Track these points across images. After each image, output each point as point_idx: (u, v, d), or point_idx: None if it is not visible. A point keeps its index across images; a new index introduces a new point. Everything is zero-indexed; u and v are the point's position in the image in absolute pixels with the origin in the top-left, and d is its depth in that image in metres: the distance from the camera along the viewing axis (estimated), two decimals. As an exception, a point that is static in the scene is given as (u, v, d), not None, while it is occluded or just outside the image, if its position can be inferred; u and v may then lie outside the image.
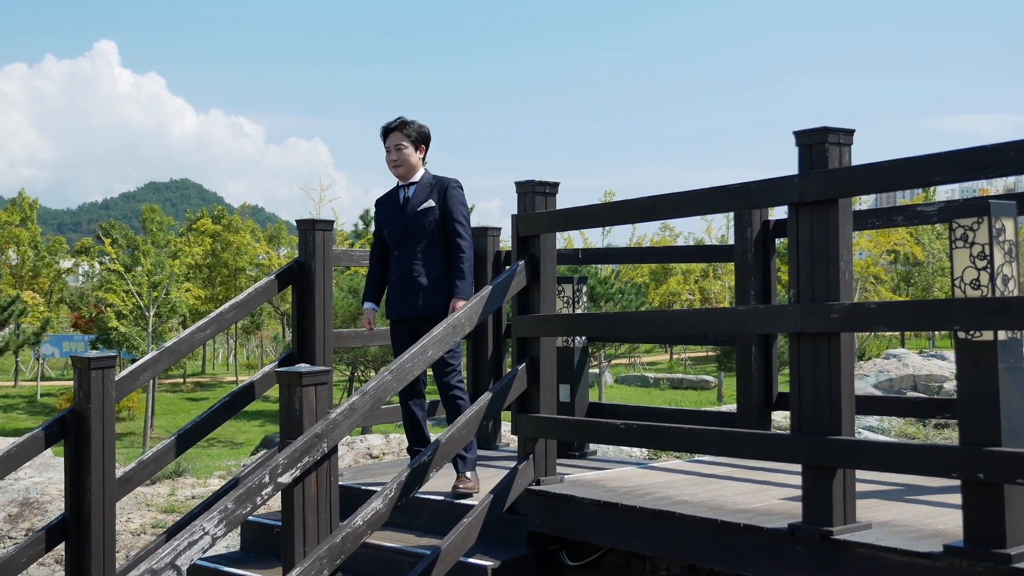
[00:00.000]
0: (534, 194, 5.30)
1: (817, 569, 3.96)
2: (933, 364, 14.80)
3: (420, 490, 5.51)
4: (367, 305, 6.00)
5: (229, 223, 55.22)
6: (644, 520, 4.63)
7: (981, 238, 3.53)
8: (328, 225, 6.29)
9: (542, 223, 5.25)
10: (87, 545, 5.10)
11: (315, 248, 6.21)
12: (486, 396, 5.12)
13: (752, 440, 4.26)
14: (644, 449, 8.27)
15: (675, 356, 68.42)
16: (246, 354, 67.98)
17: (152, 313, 37.09)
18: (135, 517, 8.92)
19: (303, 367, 4.35)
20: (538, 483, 5.20)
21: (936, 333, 50.80)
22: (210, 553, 6.09)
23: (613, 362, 47.80)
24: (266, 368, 6.24)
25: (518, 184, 5.36)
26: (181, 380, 52.19)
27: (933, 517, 4.22)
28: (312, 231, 6.22)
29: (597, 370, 37.92)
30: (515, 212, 5.38)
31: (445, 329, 4.92)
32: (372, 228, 44.26)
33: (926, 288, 48.98)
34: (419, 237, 5.76)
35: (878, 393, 12.87)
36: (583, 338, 6.48)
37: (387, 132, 5.87)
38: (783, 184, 4.12)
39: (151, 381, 35.59)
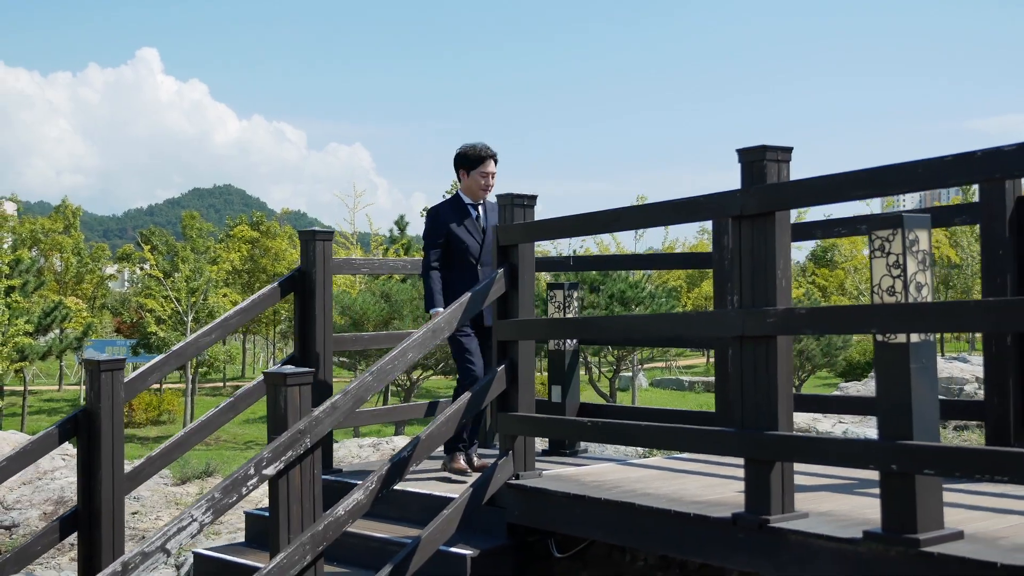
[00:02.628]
0: (513, 206, 5.64)
1: (756, 554, 4.28)
2: (954, 366, 14.91)
3: (416, 487, 5.89)
4: (439, 310, 6.23)
5: (267, 229, 56.00)
6: (607, 511, 4.96)
7: (896, 248, 3.83)
8: (328, 235, 6.67)
9: (520, 233, 5.59)
10: (98, 535, 5.51)
11: (315, 257, 6.58)
12: (466, 395, 5.47)
13: (698, 436, 4.58)
14: (638, 447, 8.57)
15: (711, 359, 68.36)
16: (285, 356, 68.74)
17: (190, 318, 37.81)
18: (164, 515, 9.35)
19: (288, 369, 4.73)
20: (517, 477, 5.54)
21: (975, 336, 50.29)
22: (218, 544, 6.51)
23: (647, 365, 47.92)
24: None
25: (499, 196, 5.72)
26: (221, 384, 53.00)
27: (869, 507, 4.51)
28: (313, 241, 6.60)
29: (630, 373, 38.13)
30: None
31: (425, 333, 5.28)
32: (407, 233, 44.42)
33: (965, 291, 48.53)
34: (491, 252, 6.36)
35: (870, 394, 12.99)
36: (574, 341, 6.81)
37: (492, 158, 6.43)
38: (727, 198, 4.45)
39: (190, 385, 36.29)
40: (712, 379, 48.28)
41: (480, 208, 6.49)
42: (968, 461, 3.58)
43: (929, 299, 3.88)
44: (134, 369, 6.13)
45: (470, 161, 6.41)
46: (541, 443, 7.92)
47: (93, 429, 5.53)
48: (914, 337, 3.79)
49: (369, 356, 26.55)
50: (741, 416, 4.38)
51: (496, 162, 6.46)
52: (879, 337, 3.88)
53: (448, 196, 6.43)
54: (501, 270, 5.64)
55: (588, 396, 34.71)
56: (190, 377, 36.80)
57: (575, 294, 6.81)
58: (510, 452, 5.57)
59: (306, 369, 4.78)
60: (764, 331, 4.26)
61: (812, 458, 4.13)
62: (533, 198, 5.71)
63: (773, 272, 4.29)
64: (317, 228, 6.68)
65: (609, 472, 5.84)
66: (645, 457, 8.16)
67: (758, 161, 4.35)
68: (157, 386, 43.29)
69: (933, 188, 3.79)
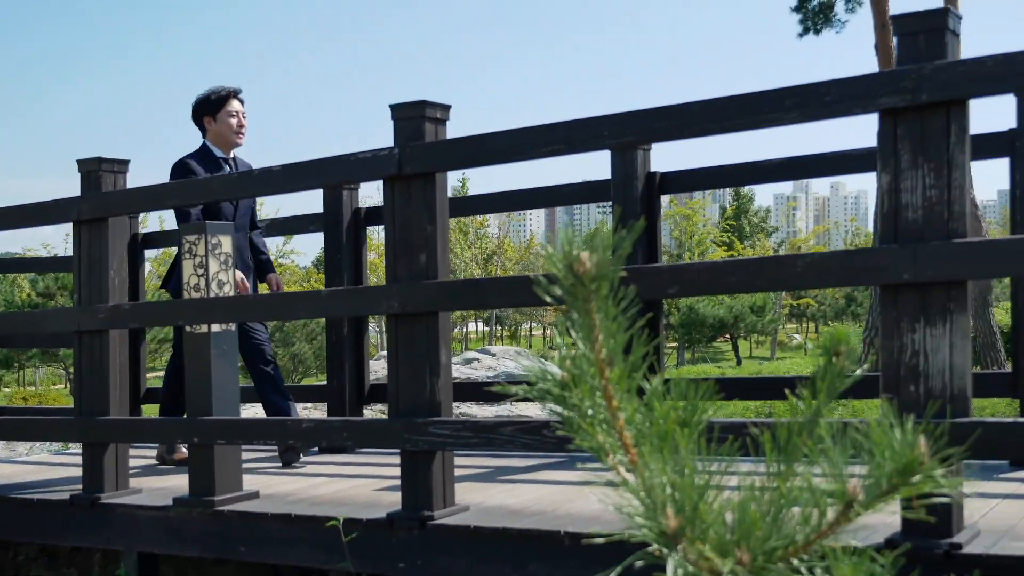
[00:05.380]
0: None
1: (90, 530, 4.72)
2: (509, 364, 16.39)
3: None
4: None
5: None
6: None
7: (200, 251, 4.43)
8: None
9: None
10: None
11: None
12: None
13: (46, 425, 4.94)
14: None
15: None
16: None
17: None
18: None
19: None
20: None
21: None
22: None
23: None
24: None
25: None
26: None
27: (320, 484, 4.97)
28: None
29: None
30: None
31: None
32: None
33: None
34: (248, 215, 5.82)
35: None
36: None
37: (234, 95, 5.74)
38: (68, 205, 4.87)
39: None
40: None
41: (232, 163, 5.74)
42: (241, 431, 4.27)
43: (231, 295, 4.51)
44: None
45: (212, 104, 5.72)
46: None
47: None
48: (215, 327, 4.41)
49: None
50: (79, 404, 4.79)
51: (242, 101, 5.78)
52: (188, 328, 4.46)
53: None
54: None
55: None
56: None
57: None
58: None
59: None
60: (97, 326, 4.71)
61: (134, 438, 4.65)
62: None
63: (107, 272, 4.75)
64: None
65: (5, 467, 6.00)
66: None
67: (94, 171, 4.79)
68: None
69: (226, 200, 4.42)
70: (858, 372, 1.37)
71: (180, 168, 5.61)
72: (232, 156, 5.76)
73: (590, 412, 1.34)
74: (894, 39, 3.03)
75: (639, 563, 1.28)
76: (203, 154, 5.69)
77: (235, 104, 5.73)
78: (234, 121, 5.70)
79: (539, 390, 1.34)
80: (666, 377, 1.35)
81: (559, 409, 1.34)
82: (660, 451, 1.31)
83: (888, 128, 2.95)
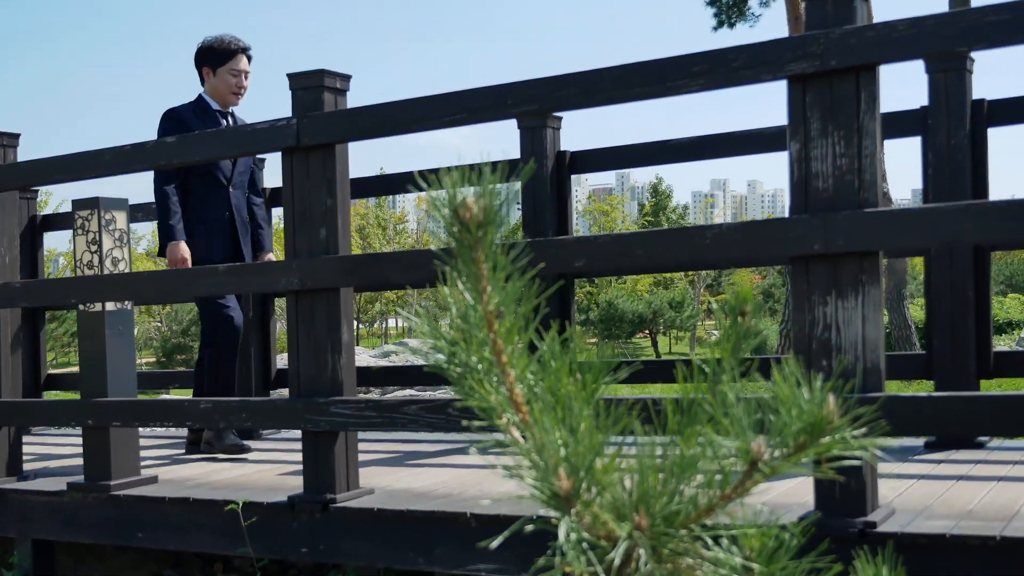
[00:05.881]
0: None
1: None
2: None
3: None
4: (182, 245, 5.10)
5: None
6: None
7: (93, 227, 4.25)
8: None
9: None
10: None
11: None
12: None
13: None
14: None
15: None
16: None
17: None
18: None
19: None
20: None
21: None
22: None
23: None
24: None
25: None
26: None
27: (185, 469, 4.78)
28: None
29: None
30: None
31: None
32: None
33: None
34: (247, 174, 5.44)
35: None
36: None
37: (243, 52, 5.31)
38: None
39: None
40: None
41: (230, 118, 5.35)
42: (138, 413, 4.10)
43: (126, 272, 4.33)
44: None
45: (216, 56, 5.27)
46: None
47: None
48: (109, 305, 4.23)
49: None
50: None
51: (250, 59, 5.36)
52: (81, 307, 4.27)
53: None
54: None
55: None
56: None
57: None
58: None
59: None
60: (-16, 305, 4.51)
61: (26, 420, 4.47)
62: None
63: (-3, 250, 4.55)
64: None
65: None
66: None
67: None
68: None
69: (117, 174, 4.23)
70: (765, 332, 1.28)
71: (169, 118, 5.23)
72: (231, 110, 5.39)
73: (480, 368, 1.24)
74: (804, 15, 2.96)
75: (529, 527, 1.18)
76: (199, 106, 5.31)
77: (242, 62, 5.33)
78: (234, 80, 5.30)
79: (430, 350, 1.24)
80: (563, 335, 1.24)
81: (447, 365, 1.24)
82: (553, 408, 1.22)
83: (797, 95, 2.88)
